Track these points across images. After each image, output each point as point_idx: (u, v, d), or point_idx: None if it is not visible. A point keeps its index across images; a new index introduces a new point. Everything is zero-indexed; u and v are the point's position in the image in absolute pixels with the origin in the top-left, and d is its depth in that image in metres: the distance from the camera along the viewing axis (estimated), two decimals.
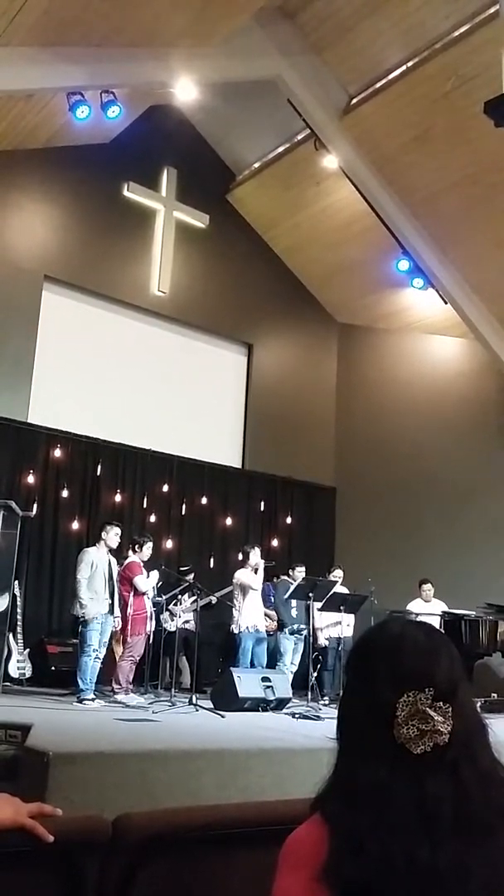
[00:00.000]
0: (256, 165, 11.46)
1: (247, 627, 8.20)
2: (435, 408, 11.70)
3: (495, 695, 8.87)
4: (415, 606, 9.20)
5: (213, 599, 8.54)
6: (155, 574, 7.91)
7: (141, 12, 7.99)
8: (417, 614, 8.68)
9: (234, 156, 11.71)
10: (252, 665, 8.10)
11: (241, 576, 8.36)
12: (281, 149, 11.05)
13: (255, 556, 8.38)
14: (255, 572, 8.34)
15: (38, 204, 10.17)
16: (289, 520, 11.76)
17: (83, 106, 8.89)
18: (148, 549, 7.92)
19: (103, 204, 10.63)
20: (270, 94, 9.97)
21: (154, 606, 8.13)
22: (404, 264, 10.90)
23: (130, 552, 7.90)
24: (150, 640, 8.09)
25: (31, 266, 9.96)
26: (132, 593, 7.58)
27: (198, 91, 9.65)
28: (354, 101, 9.80)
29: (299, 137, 10.68)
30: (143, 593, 7.65)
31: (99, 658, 7.24)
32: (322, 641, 8.84)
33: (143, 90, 9.64)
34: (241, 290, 11.75)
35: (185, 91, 9.55)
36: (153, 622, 7.91)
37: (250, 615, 8.24)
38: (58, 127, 9.61)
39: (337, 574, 9.12)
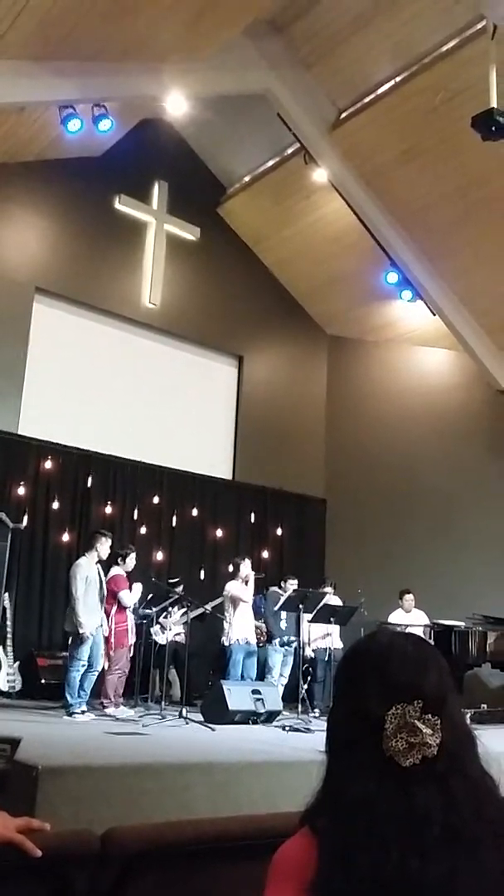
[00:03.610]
0: (247, 179, 11.53)
1: (237, 640, 8.19)
2: (424, 419, 11.75)
3: (485, 706, 8.87)
4: (396, 617, 9.19)
5: (208, 609, 8.51)
6: (138, 587, 7.87)
7: (132, 26, 8.04)
8: (398, 625, 8.67)
9: (225, 169, 11.78)
10: (242, 678, 8.08)
11: (232, 588, 8.35)
12: (271, 162, 11.12)
13: (246, 567, 8.37)
14: (246, 584, 8.33)
15: (30, 216, 10.19)
16: (279, 531, 11.75)
17: (75, 119, 8.92)
18: (132, 560, 7.90)
19: (95, 216, 10.66)
20: (261, 108, 10.04)
21: (143, 619, 8.10)
22: (393, 277, 10.96)
23: (115, 564, 7.87)
24: (141, 653, 8.05)
25: (22, 278, 9.96)
26: (115, 606, 7.54)
27: (188, 105, 9.70)
28: (344, 115, 9.87)
29: (289, 151, 10.74)
30: (127, 607, 7.63)
31: (95, 671, 7.19)
32: (309, 653, 8.82)
33: (135, 104, 9.69)
34: (231, 303, 11.78)
35: (176, 105, 9.60)
36: (135, 635, 7.87)
37: (241, 628, 8.23)
38: (50, 140, 9.64)
39: (327, 590, 9.11)
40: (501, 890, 1.09)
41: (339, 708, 1.24)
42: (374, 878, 1.06)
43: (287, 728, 6.85)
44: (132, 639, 7.79)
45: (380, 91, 9.38)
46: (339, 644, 8.74)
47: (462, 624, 9.10)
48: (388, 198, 10.18)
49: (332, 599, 8.96)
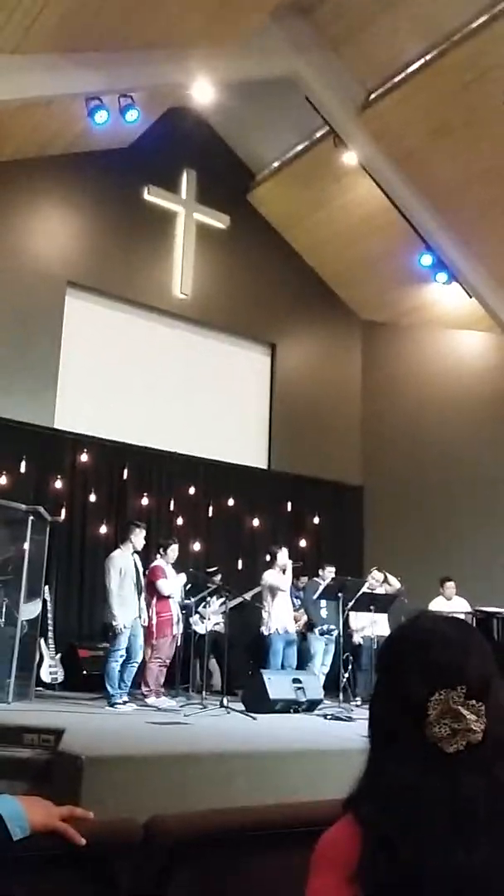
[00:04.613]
0: (276, 164, 11.43)
1: (276, 629, 8.18)
2: (462, 403, 11.58)
3: None
4: (437, 605, 9.09)
5: (247, 598, 8.51)
6: (182, 576, 7.90)
7: (156, 14, 8.01)
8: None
9: (254, 155, 11.70)
10: (282, 667, 8.08)
11: (269, 577, 8.35)
12: (300, 147, 11.01)
13: (283, 556, 8.36)
14: (283, 573, 8.32)
15: (60, 210, 10.24)
16: (316, 520, 11.70)
17: (101, 110, 8.93)
18: (173, 552, 7.91)
19: (124, 208, 10.68)
20: (288, 92, 9.94)
21: (183, 609, 8.12)
22: (427, 259, 10.80)
23: (157, 555, 7.91)
24: (180, 643, 8.08)
25: (54, 272, 10.03)
26: (155, 597, 7.58)
27: (215, 92, 9.65)
28: (373, 96, 9.73)
29: (318, 135, 10.63)
30: (168, 596, 7.64)
31: (135, 662, 7.24)
32: (357, 640, 8.79)
33: (161, 93, 9.67)
34: (263, 290, 11.73)
35: (203, 92, 9.56)
36: (181, 625, 7.89)
37: (280, 617, 8.22)
38: (77, 133, 9.67)
39: (377, 577, 9.03)
40: None
41: (380, 694, 1.21)
42: (419, 868, 1.04)
43: (328, 717, 6.84)
44: (178, 628, 7.81)
45: (409, 70, 9.22)
46: (385, 632, 8.67)
47: None
48: (420, 179, 10.03)
49: (382, 588, 8.88)
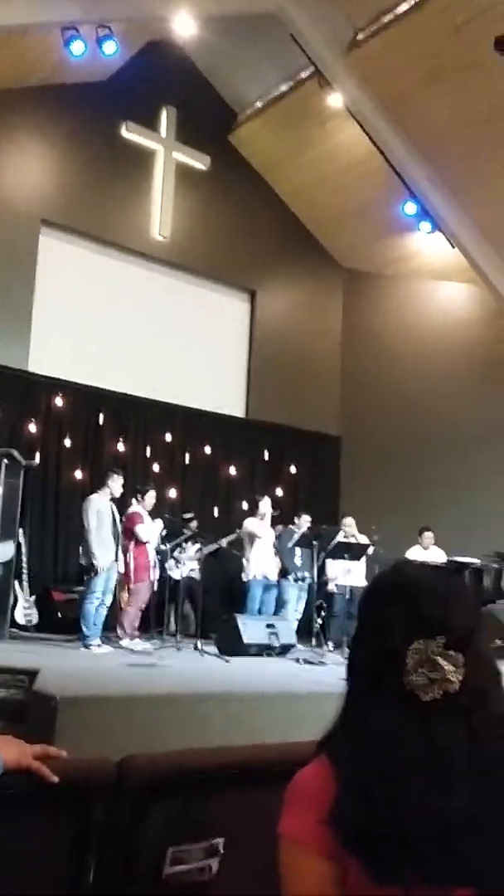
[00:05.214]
0: (259, 104, 11.10)
1: (255, 575, 8.31)
2: (443, 355, 11.55)
3: (499, 641, 8.95)
4: (414, 554, 9.21)
5: (223, 544, 8.60)
6: (158, 522, 7.92)
7: None
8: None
9: (236, 94, 11.35)
10: (260, 612, 8.21)
11: (248, 524, 8.56)
12: (284, 87, 10.68)
13: (265, 505, 8.52)
14: (262, 520, 8.44)
15: (35, 145, 9.90)
16: (293, 469, 11.71)
17: (78, 41, 8.59)
18: (151, 498, 7.93)
19: (101, 144, 10.35)
20: (273, 29, 9.60)
21: (158, 554, 8.17)
22: (411, 207, 10.63)
23: (134, 501, 7.91)
24: (156, 588, 8.15)
25: (27, 209, 9.74)
26: (133, 542, 7.60)
27: (197, 25, 9.30)
28: (361, 36, 9.43)
29: (303, 75, 10.31)
30: (145, 542, 7.67)
31: (105, 605, 7.29)
32: (332, 587, 8.91)
33: (140, 25, 9.30)
34: (243, 235, 11.51)
35: (184, 25, 9.21)
36: (157, 570, 7.94)
37: (259, 563, 8.39)
38: (53, 64, 9.30)
39: (348, 522, 9.13)
40: None
41: (361, 639, 1.21)
42: (394, 814, 1.05)
43: (301, 661, 6.95)
44: (155, 573, 7.86)
45: (399, 10, 8.92)
46: (360, 581, 8.78)
47: (477, 561, 9.14)
48: (407, 124, 9.80)
49: (361, 534, 8.98)
